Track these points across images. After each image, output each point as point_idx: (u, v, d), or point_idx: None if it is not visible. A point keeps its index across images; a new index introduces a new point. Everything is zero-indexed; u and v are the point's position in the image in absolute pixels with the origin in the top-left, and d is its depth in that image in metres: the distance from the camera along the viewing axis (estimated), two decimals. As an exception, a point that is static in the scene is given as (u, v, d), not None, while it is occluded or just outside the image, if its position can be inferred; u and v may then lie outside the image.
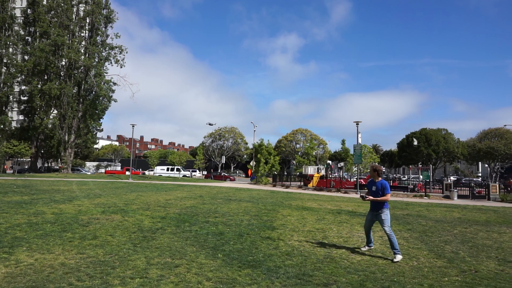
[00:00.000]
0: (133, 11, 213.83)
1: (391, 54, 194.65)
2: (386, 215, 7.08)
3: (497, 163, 53.32)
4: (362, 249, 7.71)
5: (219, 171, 67.69)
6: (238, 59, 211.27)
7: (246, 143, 79.15)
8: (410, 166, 54.79)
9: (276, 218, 11.97)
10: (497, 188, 26.00)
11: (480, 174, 67.73)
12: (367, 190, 7.50)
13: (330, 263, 6.53)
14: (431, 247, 8.24)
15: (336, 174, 64.40)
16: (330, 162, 72.37)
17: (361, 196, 7.31)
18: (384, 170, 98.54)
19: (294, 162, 57.24)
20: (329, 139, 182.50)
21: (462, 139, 58.65)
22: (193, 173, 64.77)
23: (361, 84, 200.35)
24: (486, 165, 60.36)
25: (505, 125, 56.95)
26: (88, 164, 70.55)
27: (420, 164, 55.00)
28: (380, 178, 7.23)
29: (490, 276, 6.02)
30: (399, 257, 6.85)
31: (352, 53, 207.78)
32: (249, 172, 55.69)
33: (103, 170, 67.13)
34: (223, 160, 59.11)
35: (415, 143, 47.98)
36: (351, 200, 21.30)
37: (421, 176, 39.24)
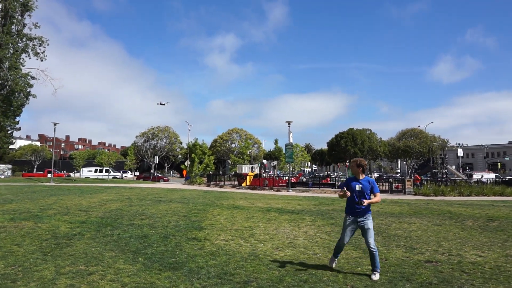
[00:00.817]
0: (60, 1, 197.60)
1: (323, 57, 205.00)
2: (372, 222, 5.73)
3: (413, 160, 58.96)
4: (333, 265, 6.17)
5: (152, 171, 65.38)
6: (175, 57, 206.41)
7: (181, 143, 77.54)
8: (339, 164, 58.09)
9: (205, 218, 11.84)
10: (411, 183, 28.63)
11: (399, 170, 74.07)
12: (342, 191, 5.63)
13: (253, 261, 6.60)
14: (350, 239, 8.73)
15: (271, 173, 65.97)
16: (264, 161, 73.87)
17: (359, 202, 5.59)
18: (315, 168, 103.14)
19: (230, 161, 57.41)
20: (265, 139, 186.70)
21: (384, 139, 63.70)
22: (124, 175, 61.77)
23: (296, 86, 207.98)
24: (404, 162, 66.24)
25: (419, 126, 63.13)
26: (1, 166, 63.63)
27: (348, 162, 58.66)
28: (364, 175, 5.75)
29: (397, 263, 6.55)
30: (378, 276, 5.62)
31: (287, 55, 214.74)
32: (184, 173, 54.65)
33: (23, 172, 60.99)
34: (156, 160, 57.20)
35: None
36: (282, 197, 21.91)
37: (347, 174, 41.73)
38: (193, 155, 40.92)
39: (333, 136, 57.50)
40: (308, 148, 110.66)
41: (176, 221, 11.15)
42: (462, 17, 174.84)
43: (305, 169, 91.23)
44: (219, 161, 73.64)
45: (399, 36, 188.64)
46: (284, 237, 8.86)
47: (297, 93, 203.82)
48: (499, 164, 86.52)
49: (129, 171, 65.49)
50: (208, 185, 36.53)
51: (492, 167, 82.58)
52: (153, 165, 66.83)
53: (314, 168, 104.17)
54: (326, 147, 67.66)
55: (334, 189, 30.43)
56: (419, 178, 31.75)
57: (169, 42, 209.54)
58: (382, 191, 28.61)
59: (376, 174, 69.99)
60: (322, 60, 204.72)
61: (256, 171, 39.31)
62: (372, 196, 5.76)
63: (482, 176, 42.58)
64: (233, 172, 44.60)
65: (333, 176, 52.94)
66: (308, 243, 8.27)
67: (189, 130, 56.62)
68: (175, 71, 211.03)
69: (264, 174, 44.29)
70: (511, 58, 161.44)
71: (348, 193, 5.57)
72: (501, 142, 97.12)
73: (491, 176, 46.53)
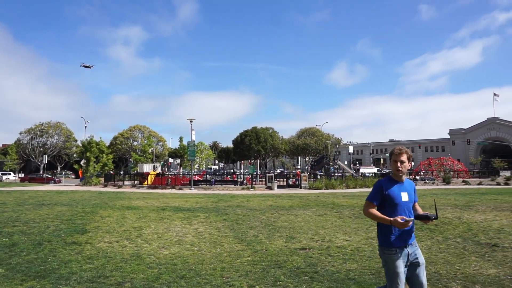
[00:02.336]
0: None
1: (232, 57, 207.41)
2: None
3: (310, 157, 63.77)
4: None
5: (41, 172, 58.54)
6: (73, 47, 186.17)
7: (76, 140, 70.92)
8: (243, 161, 59.67)
9: (92, 221, 11.09)
10: (306, 178, 30.92)
11: (299, 167, 79.21)
12: (402, 220, 3.07)
13: (134, 261, 6.42)
14: (237, 233, 9.09)
15: (177, 171, 64.59)
16: (171, 159, 72.04)
17: (402, 221, 3.05)
18: (222, 166, 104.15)
19: (131, 160, 54.55)
20: (172, 137, 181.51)
21: (285, 137, 67.45)
22: (5, 176, 54.15)
23: (204, 84, 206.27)
24: (304, 159, 71.16)
25: (316, 125, 68.43)
26: None
27: (253, 159, 60.67)
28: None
29: (275, 252, 7.04)
30: None
31: (196, 53, 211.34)
32: (80, 173, 50.20)
33: None
34: (45, 159, 51.35)
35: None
36: (183, 196, 21.68)
37: (246, 170, 43.15)
38: (88, 154, 37.84)
39: (238, 134, 58.79)
40: (215, 146, 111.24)
41: (57, 225, 10.22)
42: (355, 29, 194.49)
43: (212, 166, 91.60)
44: (120, 159, 69.46)
45: (302, 41, 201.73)
46: (173, 235, 8.81)
47: (205, 91, 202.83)
48: (381, 159, 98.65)
49: (11, 173, 57.60)
50: (105, 186, 34.21)
51: (376, 163, 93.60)
52: (42, 165, 59.90)
53: (220, 166, 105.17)
54: (231, 144, 68.84)
55: (236, 185, 31.18)
56: (299, 173, 34.48)
57: (66, 29, 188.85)
58: (281, 186, 30.28)
59: (278, 170, 73.76)
60: (231, 59, 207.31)
61: (159, 169, 38.11)
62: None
63: (359, 171, 48.03)
64: (134, 171, 42.49)
65: (238, 173, 54.21)
66: (196, 239, 8.35)
67: (86, 126, 52.23)
68: (72, 61, 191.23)
69: (167, 173, 43.19)
70: (392, 67, 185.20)
71: (408, 219, 3.09)
72: (383, 140, 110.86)
73: (374, 170, 52.88)
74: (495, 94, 78.52)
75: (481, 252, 6.93)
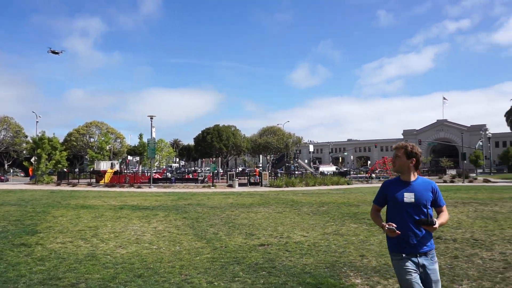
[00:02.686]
0: None
1: (194, 54, 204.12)
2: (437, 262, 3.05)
3: (272, 155, 64.61)
4: None
5: (-15, 170, 54.60)
6: (24, 36, 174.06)
7: (26, 136, 66.84)
8: (204, 159, 59.30)
9: (43, 221, 10.59)
10: (267, 176, 31.31)
11: (261, 165, 79.92)
12: (380, 203, 3.20)
13: (89, 261, 6.24)
14: (197, 231, 9.08)
15: (136, 169, 62.77)
16: (129, 157, 69.92)
17: (389, 227, 2.87)
18: (183, 163, 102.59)
19: (87, 157, 52.35)
20: (131, 133, 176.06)
21: (247, 135, 67.81)
22: None
23: (166, 80, 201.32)
24: (265, 157, 71.89)
25: (278, 124, 69.40)
26: None
27: (215, 157, 60.36)
28: (416, 175, 3.10)
29: (234, 249, 7.12)
30: None
31: (158, 48, 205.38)
32: (30, 171, 47.44)
33: None
34: (-9, 156, 47.99)
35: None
36: (141, 194, 21.18)
37: (207, 168, 42.94)
38: (39, 151, 35.86)
39: (200, 132, 58.30)
40: (176, 143, 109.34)
41: (4, 226, 9.66)
42: (317, 30, 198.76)
43: (173, 164, 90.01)
44: (75, 157, 66.44)
45: (266, 41, 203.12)
46: (131, 234, 8.63)
47: (167, 87, 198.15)
48: (340, 158, 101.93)
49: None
50: (58, 184, 32.60)
51: (335, 161, 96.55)
52: (-13, 163, 55.87)
53: (182, 164, 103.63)
54: (193, 142, 68.08)
55: (197, 183, 30.92)
56: (257, 172, 34.89)
57: (17, 17, 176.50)
58: (242, 184, 30.41)
59: (240, 168, 73.92)
60: (193, 56, 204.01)
61: (117, 167, 36.88)
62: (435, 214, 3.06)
63: (318, 169, 49.45)
64: (91, 169, 40.80)
65: (200, 171, 53.74)
66: (154, 238, 8.24)
67: (37, 121, 49.35)
68: (23, 52, 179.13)
69: (126, 171, 41.92)
70: (350, 70, 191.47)
71: (394, 226, 2.87)
72: (342, 139, 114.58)
73: (332, 168, 54.54)
74: (444, 98, 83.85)
75: (426, 245, 7.43)
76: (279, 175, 36.10)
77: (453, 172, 45.33)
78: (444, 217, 3.02)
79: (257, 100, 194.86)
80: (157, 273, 5.54)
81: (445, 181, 34.84)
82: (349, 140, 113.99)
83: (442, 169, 48.12)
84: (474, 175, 44.78)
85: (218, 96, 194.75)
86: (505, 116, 56.24)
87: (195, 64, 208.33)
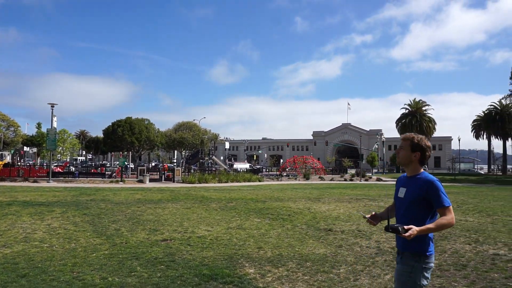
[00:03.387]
0: None
1: (107, 39, 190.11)
2: (412, 274, 2.66)
3: (186, 151, 63.76)
4: None
5: None
6: None
7: None
8: (113, 153, 55.95)
9: None
10: (180, 172, 30.89)
11: (175, 160, 78.25)
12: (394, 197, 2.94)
13: (-37, 263, 5.59)
14: (98, 228, 8.67)
15: (33, 162, 56.33)
16: (25, 147, 62.53)
17: (393, 228, 2.49)
18: (90, 157, 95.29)
19: (-30, 146, 45.48)
20: (29, 122, 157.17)
21: (162, 130, 65.71)
22: None
23: (73, 65, 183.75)
24: (180, 153, 70.57)
25: (194, 120, 68.68)
26: None
27: (126, 151, 57.23)
28: (422, 170, 2.83)
29: (135, 245, 7.01)
30: None
31: (65, 29, 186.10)
32: None
33: None
34: None
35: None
36: (38, 189, 19.25)
37: (116, 163, 40.84)
38: None
39: (110, 124, 54.68)
40: (83, 135, 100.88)
41: None
42: (237, 29, 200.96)
43: (78, 158, 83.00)
44: (-46, 146, 57.15)
45: (186, 35, 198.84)
46: (19, 233, 7.90)
47: (73, 73, 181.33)
48: (255, 156, 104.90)
49: None
50: None
51: (250, 158, 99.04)
52: None
53: (88, 157, 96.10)
54: (102, 135, 63.60)
55: (103, 178, 29.13)
56: (166, 167, 34.49)
57: None
58: (154, 180, 29.51)
59: (153, 163, 71.38)
60: (106, 42, 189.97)
61: (8, 159, 32.80)
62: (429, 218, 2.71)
63: (232, 166, 50.51)
64: (-26, 160, 35.52)
65: (108, 165, 50.54)
66: (47, 236, 7.67)
67: None
68: None
69: (20, 163, 37.52)
70: (268, 71, 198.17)
71: (367, 216, 3.00)
72: (257, 138, 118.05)
73: (246, 165, 55.94)
74: (348, 104, 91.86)
75: (318, 236, 8.22)
76: (192, 171, 35.86)
77: (353, 171, 50.02)
78: (438, 222, 2.57)
79: (174, 94, 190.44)
80: (45, 272, 5.22)
81: (345, 179, 38.31)
82: (263, 138, 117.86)
83: (344, 169, 52.71)
84: (370, 174, 50.04)
85: (132, 88, 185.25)
86: (396, 123, 63.97)
87: (108, 51, 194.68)
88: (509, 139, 60.35)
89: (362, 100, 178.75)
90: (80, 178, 28.37)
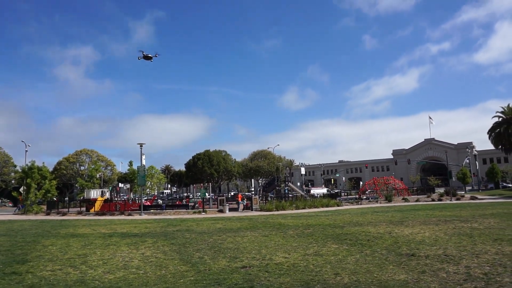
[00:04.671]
0: None
1: (185, 80, 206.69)
2: None
3: (263, 179, 64.94)
4: None
5: (-27, 202, 53.79)
6: (14, 65, 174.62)
7: (15, 166, 66.29)
8: (195, 184, 59.30)
9: (33, 250, 10.80)
10: (258, 200, 31.58)
11: (252, 189, 79.98)
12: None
13: (78, 287, 6.56)
14: (184, 256, 9.41)
15: (127, 197, 62.31)
16: (120, 184, 69.56)
17: None
18: (174, 190, 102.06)
19: (77, 185, 52.09)
20: (122, 161, 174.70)
21: (238, 160, 68.29)
22: None
23: (157, 106, 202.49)
24: (257, 181, 72.17)
25: (268, 148, 70.12)
26: None
27: (206, 182, 60.44)
28: None
29: (217, 272, 7.49)
30: None
31: (149, 75, 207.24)
32: (21, 200, 46.94)
33: None
34: (-21, 187, 47.51)
35: None
36: (132, 222, 21.31)
37: (198, 194, 43.05)
38: (29, 180, 35.71)
39: (191, 158, 58.61)
40: (168, 169, 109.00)
41: (-6, 257, 9.87)
42: (304, 55, 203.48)
43: (164, 191, 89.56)
44: (65, 185, 65.90)
45: (255, 66, 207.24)
46: (119, 261, 8.94)
47: (157, 113, 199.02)
48: (332, 179, 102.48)
49: None
50: (48, 214, 32.38)
51: (327, 183, 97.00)
52: (-25, 194, 55.10)
53: (173, 190, 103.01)
54: (184, 168, 68.16)
55: (187, 210, 31.03)
56: (240, 197, 34.72)
57: (7, 47, 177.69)
58: (232, 209, 30.61)
59: (232, 193, 73.87)
60: (183, 82, 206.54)
61: (107, 195, 36.82)
62: None
63: (309, 192, 49.82)
64: (81, 198, 40.63)
65: (192, 197, 53.64)
66: (142, 263, 8.56)
67: (26, 150, 49.24)
68: (12, 80, 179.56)
69: (116, 198, 41.81)
70: (339, 92, 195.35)
71: None
72: (333, 161, 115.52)
73: (323, 190, 54.93)
74: (430, 117, 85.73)
75: (399, 261, 7.89)
76: (269, 199, 36.37)
77: (441, 190, 46.03)
78: None
79: (248, 124, 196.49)
80: (142, 296, 5.89)
81: (433, 200, 35.45)
82: (340, 161, 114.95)
83: (430, 188, 48.81)
84: (463, 192, 45.58)
85: (209, 121, 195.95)
86: (488, 133, 57.47)
87: (185, 90, 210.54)
88: None
89: (445, 112, 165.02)
90: (167, 210, 30.61)
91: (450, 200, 34.31)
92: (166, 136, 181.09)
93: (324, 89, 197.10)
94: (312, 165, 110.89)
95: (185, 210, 30.88)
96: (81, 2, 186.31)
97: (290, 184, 47.73)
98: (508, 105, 56.94)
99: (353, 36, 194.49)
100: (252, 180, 71.75)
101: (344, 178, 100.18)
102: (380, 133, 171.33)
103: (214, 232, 14.30)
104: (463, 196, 37.54)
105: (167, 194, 77.99)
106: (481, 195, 41.49)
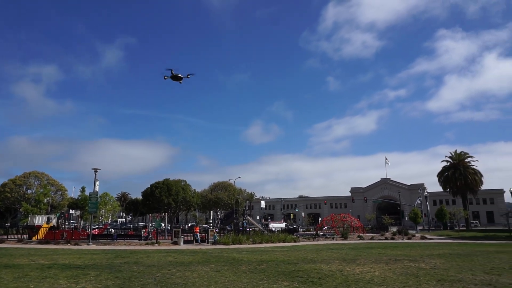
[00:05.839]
0: None
1: (150, 106, 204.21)
2: None
3: (222, 211, 63.87)
4: None
5: None
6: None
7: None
8: (151, 214, 57.13)
9: (-44, 282, 9.75)
10: (214, 233, 30.85)
11: (211, 221, 78.17)
12: None
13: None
14: (127, 291, 8.87)
15: (76, 224, 58.61)
16: (71, 210, 65.52)
17: None
18: (130, 218, 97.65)
19: (21, 210, 48.48)
20: (76, 186, 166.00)
21: (199, 190, 66.89)
22: None
23: (119, 131, 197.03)
24: (216, 213, 70.79)
25: (229, 180, 69.60)
26: None
27: (163, 212, 58.32)
28: None
29: (160, 310, 7.11)
30: None
31: (113, 99, 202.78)
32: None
33: None
34: None
35: None
36: (77, 252, 19.95)
37: (152, 224, 41.51)
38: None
39: (149, 186, 56.64)
40: (124, 197, 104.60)
41: None
42: (271, 92, 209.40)
43: (119, 219, 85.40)
44: (7, 210, 61.09)
45: (222, 98, 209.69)
46: (54, 296, 8.26)
47: (119, 138, 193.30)
48: (291, 214, 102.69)
49: None
50: (-17, 241, 29.63)
51: (286, 217, 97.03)
52: None
53: (128, 219, 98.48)
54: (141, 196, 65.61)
55: (140, 240, 29.66)
56: (197, 229, 33.74)
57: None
58: (187, 242, 29.64)
59: (189, 224, 71.72)
60: (149, 108, 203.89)
61: (54, 222, 34.50)
62: None
63: (268, 226, 49.55)
64: (24, 224, 37.71)
65: (149, 226, 51.35)
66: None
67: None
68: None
69: (64, 226, 39.26)
70: (302, 129, 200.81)
71: None
72: (294, 196, 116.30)
73: (282, 225, 54.74)
74: (386, 158, 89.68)
75: (346, 301, 7.89)
76: (226, 232, 35.68)
77: (395, 229, 47.39)
78: None
79: (211, 154, 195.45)
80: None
81: (386, 238, 36.33)
82: (300, 196, 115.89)
83: (384, 226, 50.16)
84: (414, 232, 47.16)
85: (172, 150, 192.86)
86: (437, 176, 60.85)
87: (150, 116, 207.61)
88: None
89: (400, 154, 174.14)
90: (118, 240, 29.07)
91: (402, 239, 35.33)
92: (127, 162, 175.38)
93: (288, 124, 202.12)
94: (272, 199, 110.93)
95: (137, 241, 29.50)
96: (51, 21, 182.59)
97: (248, 217, 47.27)
98: (455, 151, 61.14)
99: (318, 76, 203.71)
100: (211, 211, 70.35)
101: (303, 213, 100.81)
102: (340, 170, 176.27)
103: (164, 266, 13.68)
104: (414, 236, 38.84)
105: (121, 223, 74.35)
106: (431, 235, 43.15)
